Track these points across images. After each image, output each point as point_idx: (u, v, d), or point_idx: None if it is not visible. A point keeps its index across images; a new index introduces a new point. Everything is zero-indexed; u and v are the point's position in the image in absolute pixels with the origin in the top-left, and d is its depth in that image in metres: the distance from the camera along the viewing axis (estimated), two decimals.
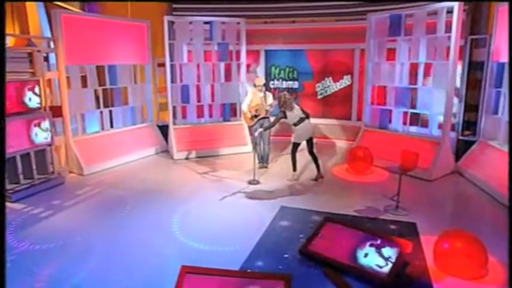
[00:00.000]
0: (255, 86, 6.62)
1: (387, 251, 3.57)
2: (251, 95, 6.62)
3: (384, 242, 3.66)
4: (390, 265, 3.45)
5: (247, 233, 4.41)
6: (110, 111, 7.51)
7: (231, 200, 5.44)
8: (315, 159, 6.26)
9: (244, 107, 6.65)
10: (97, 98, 7.19)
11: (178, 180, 6.40)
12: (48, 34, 7.31)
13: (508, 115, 5.03)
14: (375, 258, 3.55)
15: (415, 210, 5.03)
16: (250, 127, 7.03)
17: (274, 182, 6.20)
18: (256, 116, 6.51)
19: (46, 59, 6.91)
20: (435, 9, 6.32)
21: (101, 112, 7.30)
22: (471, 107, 7.14)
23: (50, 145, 6.10)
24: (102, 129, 7.33)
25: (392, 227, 4.60)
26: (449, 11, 6.07)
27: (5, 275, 2.40)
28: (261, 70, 9.27)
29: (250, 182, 5.99)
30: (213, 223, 4.73)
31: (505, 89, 5.90)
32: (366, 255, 3.60)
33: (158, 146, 8.10)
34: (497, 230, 4.46)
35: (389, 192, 5.48)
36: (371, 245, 3.66)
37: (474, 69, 6.97)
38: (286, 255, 3.90)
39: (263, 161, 6.86)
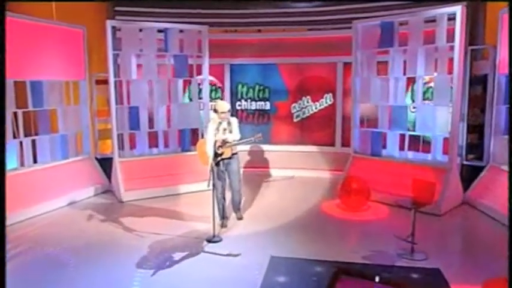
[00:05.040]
0: (215, 112, 5.74)
1: None
2: (213, 126, 5.67)
3: None
4: None
5: None
6: (33, 141, 6.92)
7: (205, 252, 5.04)
8: None
9: (210, 150, 5.47)
10: (15, 124, 6.58)
11: (130, 228, 5.86)
12: None
13: (508, 130, 5.15)
14: None
15: (433, 253, 4.92)
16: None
17: (255, 225, 5.94)
18: (218, 155, 5.51)
19: None
20: (434, 15, 6.53)
21: (21, 142, 6.68)
22: (473, 128, 7.35)
23: None
24: (22, 165, 6.70)
25: (415, 275, 4.43)
26: (450, 18, 6.29)
27: (5, 275, 2.66)
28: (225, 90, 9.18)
29: (209, 240, 5.29)
30: (189, 285, 4.28)
31: None
32: None
33: (99, 184, 7.65)
34: None
35: (395, 231, 5.33)
36: None
37: (474, 84, 7.24)
38: None
39: (225, 216, 5.92)
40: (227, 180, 5.89)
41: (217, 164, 5.53)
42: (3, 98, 3.19)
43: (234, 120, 5.78)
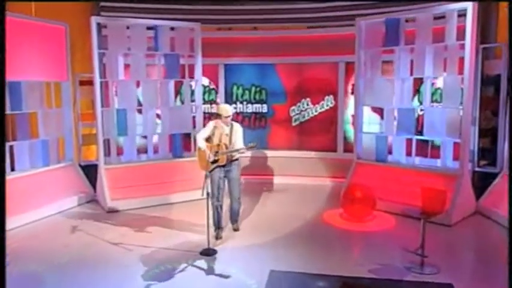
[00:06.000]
0: (218, 116, 5.77)
1: None
2: (211, 128, 5.76)
3: None
4: None
5: None
6: (11, 147, 6.83)
7: (199, 267, 4.99)
8: None
9: (201, 141, 5.64)
10: None
11: (117, 241, 5.81)
12: None
13: (509, 132, 5.13)
14: None
15: (444, 266, 4.92)
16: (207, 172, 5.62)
17: (252, 236, 5.93)
18: (214, 162, 5.61)
19: None
20: (443, 12, 6.56)
21: None
22: (485, 132, 7.36)
23: None
24: None
25: None
26: (460, 15, 6.33)
27: (5, 275, 2.94)
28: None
29: (202, 253, 5.30)
30: None
31: None
32: None
33: (83, 194, 7.62)
34: None
35: (403, 243, 5.35)
36: None
37: (486, 85, 7.26)
38: None
39: (220, 226, 5.92)
40: (226, 188, 5.91)
41: (212, 170, 5.60)
42: (3, 98, 3.21)
43: (239, 128, 5.81)
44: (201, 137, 5.70)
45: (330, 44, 8.56)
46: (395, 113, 7.39)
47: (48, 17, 7.34)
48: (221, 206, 5.86)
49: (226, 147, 5.62)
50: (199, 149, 5.72)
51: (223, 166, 5.71)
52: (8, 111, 6.71)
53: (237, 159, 5.85)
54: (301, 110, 9.13)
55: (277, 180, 8.97)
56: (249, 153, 8.85)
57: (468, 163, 6.79)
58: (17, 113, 6.87)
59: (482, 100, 7.33)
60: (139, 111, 7.82)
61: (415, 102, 7.60)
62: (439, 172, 6.69)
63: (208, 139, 5.72)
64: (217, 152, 5.56)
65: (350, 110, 8.65)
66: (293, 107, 9.16)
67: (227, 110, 5.71)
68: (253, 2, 8.81)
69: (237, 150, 5.61)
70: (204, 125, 8.07)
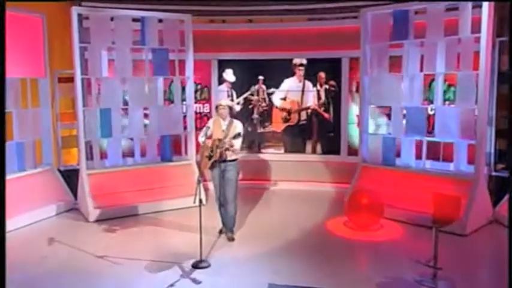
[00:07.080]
0: (216, 109, 6.16)
1: None
2: (212, 125, 6.10)
3: None
4: None
5: None
6: None
7: (191, 280, 4.97)
8: None
9: (200, 136, 6.04)
10: None
11: (100, 254, 5.77)
12: None
13: (508, 131, 5.12)
14: None
15: (459, 280, 4.93)
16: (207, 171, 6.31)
17: (249, 246, 5.95)
18: (210, 157, 5.93)
19: None
20: (456, 2, 6.60)
21: None
22: (502, 133, 7.37)
23: None
24: None
25: None
26: (475, 6, 6.36)
27: (5, 274, 3.20)
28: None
29: (194, 265, 5.31)
30: None
31: None
32: None
33: (62, 201, 7.60)
34: None
35: (413, 254, 5.36)
36: None
37: (503, 82, 7.27)
38: None
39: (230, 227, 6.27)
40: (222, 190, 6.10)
41: (211, 167, 5.99)
42: (3, 98, 3.51)
43: (238, 125, 6.04)
44: (201, 133, 6.03)
45: (332, 38, 8.60)
46: (404, 113, 7.41)
47: (24, 7, 7.25)
48: (223, 205, 6.13)
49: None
50: (202, 148, 6.05)
51: (220, 163, 5.89)
52: None
53: (235, 160, 6.04)
54: (302, 109, 9.18)
55: (276, 185, 9.01)
56: (246, 157, 8.90)
57: (484, 167, 6.80)
58: None
59: (499, 98, 7.34)
60: (125, 111, 7.84)
61: None
62: (452, 177, 6.71)
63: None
64: (212, 148, 5.83)
65: (355, 110, 8.68)
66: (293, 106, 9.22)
67: (220, 100, 6.22)
68: None
69: (223, 143, 5.74)
70: (196, 126, 8.31)
